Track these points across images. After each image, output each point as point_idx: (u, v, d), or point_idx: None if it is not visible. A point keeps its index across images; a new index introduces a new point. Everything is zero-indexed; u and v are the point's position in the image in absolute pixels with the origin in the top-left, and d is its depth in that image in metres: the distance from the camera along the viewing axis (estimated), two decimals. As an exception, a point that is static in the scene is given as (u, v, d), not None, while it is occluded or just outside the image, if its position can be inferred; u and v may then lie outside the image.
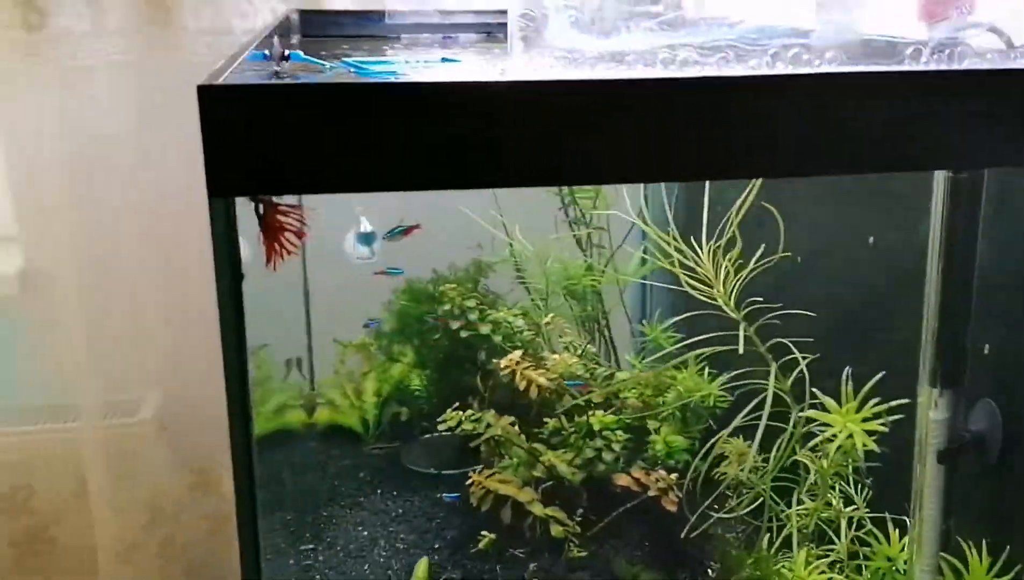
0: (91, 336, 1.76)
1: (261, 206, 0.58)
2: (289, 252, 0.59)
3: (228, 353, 0.59)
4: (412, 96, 0.56)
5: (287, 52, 0.87)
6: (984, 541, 0.82)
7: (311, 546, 1.27)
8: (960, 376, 0.82)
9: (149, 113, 1.69)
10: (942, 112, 0.62)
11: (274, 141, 0.53)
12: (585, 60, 0.61)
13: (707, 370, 1.28)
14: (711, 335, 1.06)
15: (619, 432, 1.27)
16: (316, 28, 1.33)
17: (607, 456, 1.25)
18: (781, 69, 0.63)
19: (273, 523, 1.33)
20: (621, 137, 0.58)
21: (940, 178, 0.77)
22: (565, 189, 1.50)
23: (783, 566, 0.88)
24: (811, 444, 0.85)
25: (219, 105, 0.52)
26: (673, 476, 1.18)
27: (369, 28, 1.33)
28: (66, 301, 1.79)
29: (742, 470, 1.03)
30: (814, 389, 0.88)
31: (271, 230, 0.58)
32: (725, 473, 1.06)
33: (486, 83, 0.57)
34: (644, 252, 1.51)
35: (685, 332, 1.34)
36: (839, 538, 0.91)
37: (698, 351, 1.12)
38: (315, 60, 0.77)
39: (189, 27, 1.64)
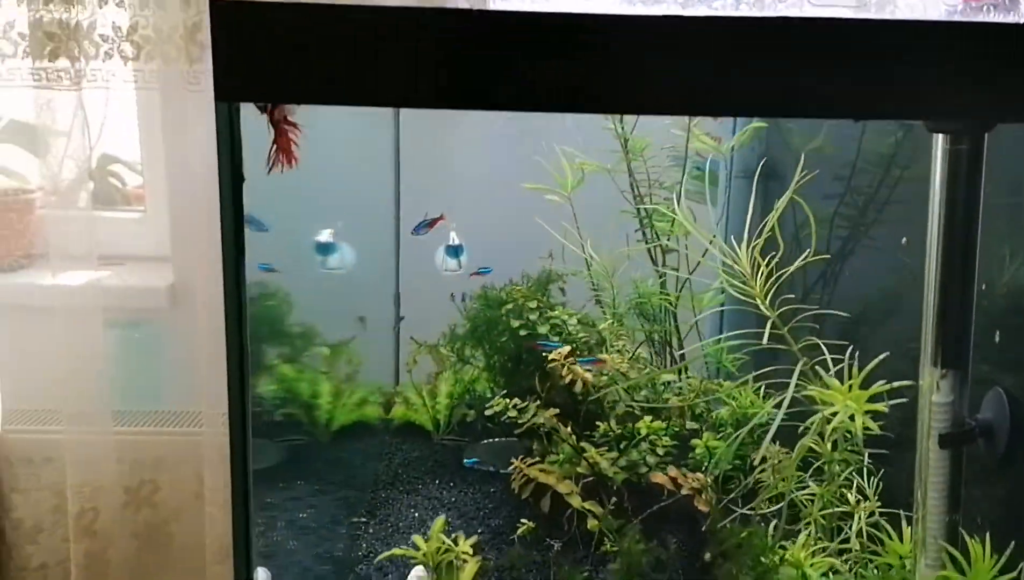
0: (221, 353, 1.93)
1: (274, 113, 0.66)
2: (290, 163, 0.67)
3: (226, 248, 0.68)
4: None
5: None
6: (988, 535, 0.79)
7: (364, 519, 1.34)
8: (963, 356, 0.80)
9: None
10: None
11: (271, 54, 0.62)
12: None
13: (762, 390, 1.28)
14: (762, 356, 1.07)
15: (665, 438, 1.28)
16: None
17: (650, 459, 1.26)
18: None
19: (335, 498, 1.42)
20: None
21: (940, 148, 0.77)
22: (643, 212, 1.55)
23: (783, 547, 0.87)
24: (809, 422, 0.85)
25: (227, 19, 0.61)
26: (709, 479, 1.17)
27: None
28: (203, 317, 1.96)
29: (779, 476, 1.03)
30: (819, 369, 0.88)
31: (281, 138, 0.66)
32: (759, 478, 1.06)
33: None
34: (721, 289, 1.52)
35: (753, 356, 1.35)
36: (849, 530, 0.89)
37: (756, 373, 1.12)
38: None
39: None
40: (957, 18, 0.68)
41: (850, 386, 0.84)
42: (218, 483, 1.95)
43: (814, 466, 0.90)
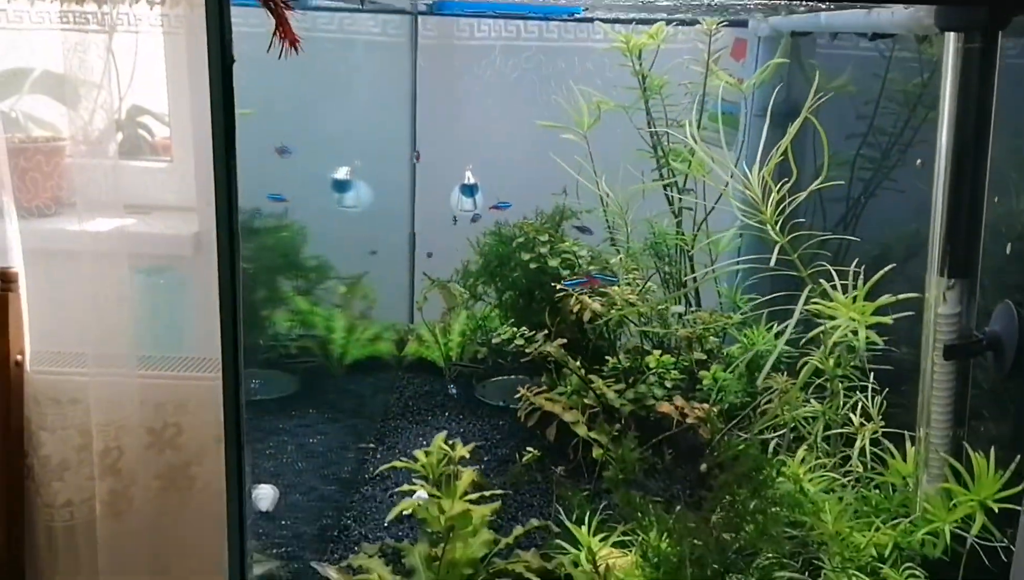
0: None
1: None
2: (294, 46, 0.66)
3: (216, 139, 0.67)
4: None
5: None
6: (993, 449, 0.78)
7: (372, 446, 1.35)
8: (971, 267, 0.78)
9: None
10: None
11: None
12: None
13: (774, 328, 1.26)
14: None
15: (674, 371, 1.28)
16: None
17: (658, 392, 1.26)
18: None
19: (345, 426, 1.43)
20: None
21: (951, 48, 0.75)
22: (660, 153, 1.53)
23: (783, 464, 0.86)
24: (811, 335, 0.84)
25: None
26: (715, 409, 1.17)
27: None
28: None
29: (783, 401, 1.02)
30: (823, 280, 0.87)
31: (284, 25, 0.65)
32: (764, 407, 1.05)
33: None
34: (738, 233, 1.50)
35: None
36: (852, 450, 0.88)
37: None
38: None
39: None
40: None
41: (854, 298, 0.83)
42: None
43: (815, 383, 0.89)
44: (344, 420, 1.45)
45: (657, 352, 1.29)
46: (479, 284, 1.53)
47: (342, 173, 1.61)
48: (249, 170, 0.81)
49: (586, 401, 1.27)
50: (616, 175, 1.51)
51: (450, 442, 0.99)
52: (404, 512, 1.07)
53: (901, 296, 0.82)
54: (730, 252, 1.58)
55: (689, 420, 1.15)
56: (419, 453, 1.00)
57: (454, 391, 1.42)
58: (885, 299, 0.83)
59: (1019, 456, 0.75)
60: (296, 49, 0.65)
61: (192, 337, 2.14)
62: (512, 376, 1.51)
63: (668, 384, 1.25)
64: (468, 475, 0.91)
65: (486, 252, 1.52)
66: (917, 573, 0.80)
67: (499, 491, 1.05)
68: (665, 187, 1.54)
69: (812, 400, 0.88)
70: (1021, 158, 0.79)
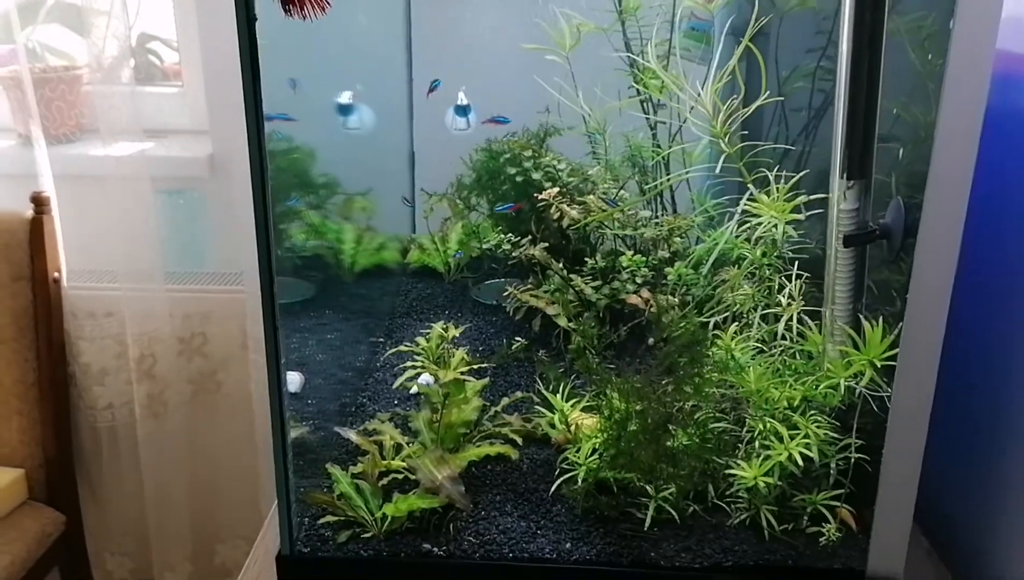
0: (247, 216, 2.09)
1: None
2: (308, 14, 0.80)
3: (246, 88, 0.83)
4: None
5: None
6: (882, 318, 0.95)
7: (381, 340, 1.54)
8: (867, 168, 0.95)
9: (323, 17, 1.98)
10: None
11: None
12: None
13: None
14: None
15: (644, 269, 1.45)
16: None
17: (630, 286, 1.43)
18: None
19: (357, 324, 1.62)
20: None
21: (848, -11, 0.90)
22: (636, 70, 1.67)
23: (717, 337, 1.04)
24: (741, 230, 1.01)
25: None
26: (675, 299, 1.35)
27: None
28: (240, 185, 2.10)
29: (732, 290, 1.19)
30: (751, 187, 1.03)
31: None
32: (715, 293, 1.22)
33: None
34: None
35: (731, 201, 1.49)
36: (776, 325, 1.05)
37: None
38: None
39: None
40: None
41: (775, 199, 0.99)
42: (260, 334, 2.16)
43: (746, 270, 1.06)
44: (356, 319, 1.64)
45: (630, 252, 1.47)
46: (472, 196, 1.70)
47: (345, 97, 1.75)
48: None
49: (566, 297, 1.45)
50: (596, 94, 1.65)
51: (445, 326, 1.18)
52: (410, 391, 1.26)
53: (813, 196, 0.98)
54: (702, 160, 1.73)
55: (654, 309, 1.34)
56: (420, 339, 1.19)
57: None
58: (801, 199, 1.00)
59: (900, 323, 0.93)
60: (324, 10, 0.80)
61: (212, 253, 2.30)
62: (504, 279, 1.69)
63: (639, 280, 1.43)
64: (459, 354, 1.10)
65: (477, 167, 1.68)
66: (820, 420, 0.99)
67: (488, 367, 1.24)
68: (641, 104, 1.68)
69: (746, 286, 1.05)
70: (911, 75, 0.94)
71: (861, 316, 0.98)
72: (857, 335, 0.97)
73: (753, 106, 1.21)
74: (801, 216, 0.98)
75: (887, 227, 0.96)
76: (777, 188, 0.99)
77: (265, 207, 0.87)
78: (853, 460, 0.99)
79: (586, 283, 1.44)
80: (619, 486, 1.06)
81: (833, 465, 1.00)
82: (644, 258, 1.47)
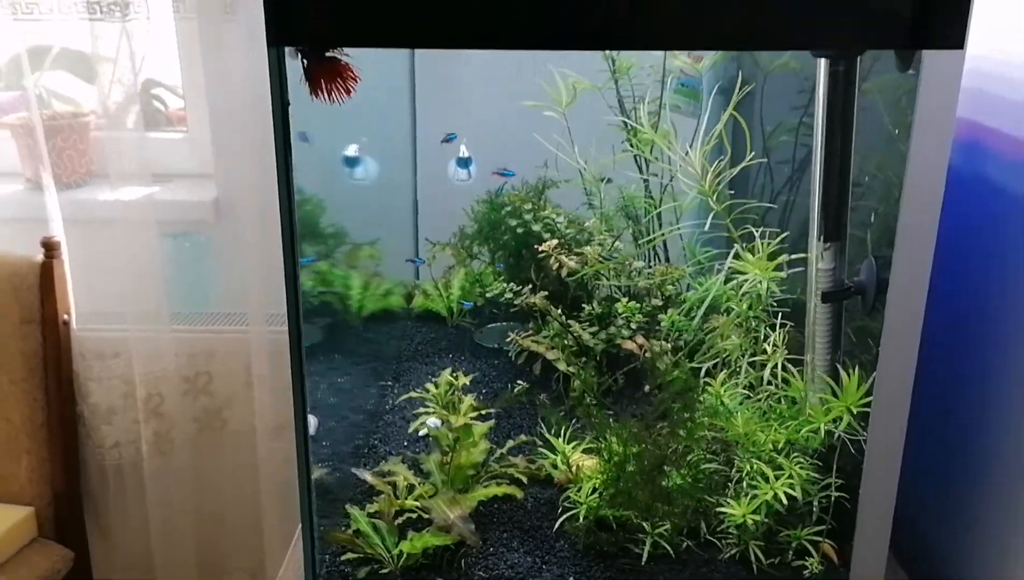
0: (262, 259, 2.11)
1: (305, 60, 0.90)
2: (335, 98, 0.89)
3: (279, 162, 0.92)
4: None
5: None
6: (858, 367, 1.04)
7: (389, 383, 1.62)
8: (841, 232, 1.04)
9: None
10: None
11: (308, 8, 0.85)
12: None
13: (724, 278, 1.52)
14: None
15: (638, 315, 1.54)
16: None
17: (625, 332, 1.52)
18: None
19: (366, 368, 1.70)
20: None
21: (822, 68, 1.00)
22: (628, 126, 1.77)
23: (708, 384, 1.13)
24: (729, 284, 1.10)
25: None
26: (668, 345, 1.43)
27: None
28: (245, 227, 2.18)
29: (721, 338, 1.28)
30: (737, 246, 1.12)
31: (316, 79, 0.89)
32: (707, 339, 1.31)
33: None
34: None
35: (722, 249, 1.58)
36: (762, 372, 1.14)
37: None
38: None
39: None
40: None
41: (759, 258, 1.09)
42: (264, 372, 2.23)
43: (733, 321, 1.15)
44: (365, 363, 1.72)
45: (625, 299, 1.56)
46: (474, 245, 1.79)
47: (351, 150, 1.84)
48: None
49: (565, 342, 1.54)
50: (591, 148, 1.75)
51: (454, 374, 1.26)
52: (420, 434, 1.34)
53: (794, 256, 1.08)
54: (692, 210, 1.83)
55: (648, 355, 1.42)
56: (429, 385, 1.27)
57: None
58: (783, 258, 1.10)
59: (874, 372, 1.02)
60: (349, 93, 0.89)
61: (216, 294, 2.36)
62: (504, 323, 1.78)
63: (633, 326, 1.52)
64: (468, 400, 1.19)
65: (479, 218, 1.77)
66: (802, 461, 1.07)
67: (493, 410, 1.33)
68: (634, 158, 1.78)
69: (734, 336, 1.14)
70: (877, 151, 1.04)
71: (838, 365, 1.06)
72: (835, 383, 1.06)
73: (739, 167, 1.31)
74: (783, 274, 1.07)
75: (861, 284, 1.05)
76: (762, 245, 1.08)
77: (295, 261, 0.95)
78: (833, 498, 1.07)
79: (583, 329, 1.53)
80: (618, 523, 1.14)
81: (815, 503, 1.09)
82: (638, 305, 1.56)
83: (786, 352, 1.14)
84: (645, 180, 1.78)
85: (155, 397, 2.22)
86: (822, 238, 1.04)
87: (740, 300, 1.11)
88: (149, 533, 2.28)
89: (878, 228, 1.05)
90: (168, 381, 2.22)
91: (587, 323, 1.55)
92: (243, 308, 2.23)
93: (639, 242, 1.76)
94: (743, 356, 1.12)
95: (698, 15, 0.86)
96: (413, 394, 1.31)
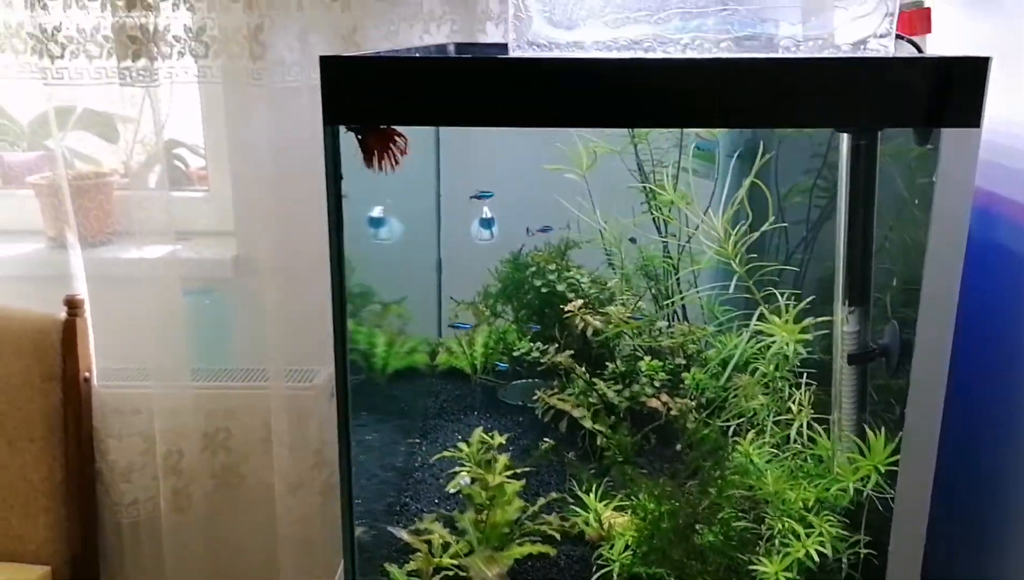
0: (282, 316, 2.15)
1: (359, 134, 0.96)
2: (391, 166, 0.95)
3: (332, 233, 0.97)
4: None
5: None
6: (884, 427, 1.08)
7: (417, 440, 1.66)
8: (866, 296, 1.09)
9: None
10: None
11: (364, 91, 0.91)
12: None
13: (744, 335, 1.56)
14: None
15: (661, 373, 1.58)
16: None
17: (649, 390, 1.56)
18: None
19: (393, 426, 1.73)
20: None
21: (845, 142, 1.05)
22: (647, 188, 1.82)
23: (737, 445, 1.17)
24: (756, 347, 1.14)
25: (332, 69, 0.90)
26: (692, 402, 1.47)
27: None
28: (265, 284, 2.21)
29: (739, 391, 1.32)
30: (766, 312, 1.17)
31: (370, 149, 0.95)
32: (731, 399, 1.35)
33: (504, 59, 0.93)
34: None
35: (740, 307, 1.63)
36: (787, 429, 1.18)
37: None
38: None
39: (371, 57, 2.08)
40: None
41: (786, 320, 1.13)
42: (282, 428, 2.25)
43: (761, 382, 1.19)
44: (392, 420, 1.75)
45: (648, 358, 1.60)
46: (497, 304, 1.83)
47: (377, 212, 1.89)
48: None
49: (590, 400, 1.57)
50: (611, 209, 1.81)
51: (489, 433, 1.29)
52: (452, 491, 1.37)
53: (819, 319, 1.12)
54: (709, 270, 1.88)
55: (673, 413, 1.46)
56: (461, 444, 1.30)
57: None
58: (808, 322, 1.14)
59: (900, 433, 1.05)
60: (383, 169, 0.94)
61: (235, 350, 2.37)
62: (528, 380, 1.81)
63: (657, 384, 1.56)
64: (503, 459, 1.22)
65: (502, 278, 1.82)
66: (831, 518, 1.10)
67: (526, 468, 1.36)
68: (653, 219, 1.83)
69: (760, 395, 1.18)
70: (896, 215, 1.09)
71: (865, 425, 1.10)
72: (862, 442, 1.09)
73: (759, 232, 1.36)
74: (809, 336, 1.11)
75: (886, 346, 1.09)
76: (787, 308, 1.13)
77: (343, 327, 1.00)
78: (862, 555, 1.10)
79: (609, 387, 1.56)
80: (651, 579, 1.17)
81: (844, 559, 1.11)
82: (661, 363, 1.59)
83: (811, 411, 1.17)
84: (665, 241, 1.83)
85: (174, 454, 2.22)
86: (847, 303, 1.09)
87: (767, 361, 1.15)
88: (167, 591, 2.28)
89: (899, 291, 1.09)
90: (188, 438, 2.22)
91: (611, 381, 1.58)
92: (262, 364, 2.24)
93: (660, 303, 1.81)
94: (769, 415, 1.16)
95: (728, 95, 0.91)
96: (447, 453, 1.34)
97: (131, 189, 2.11)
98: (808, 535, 1.09)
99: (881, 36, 1.00)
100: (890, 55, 0.96)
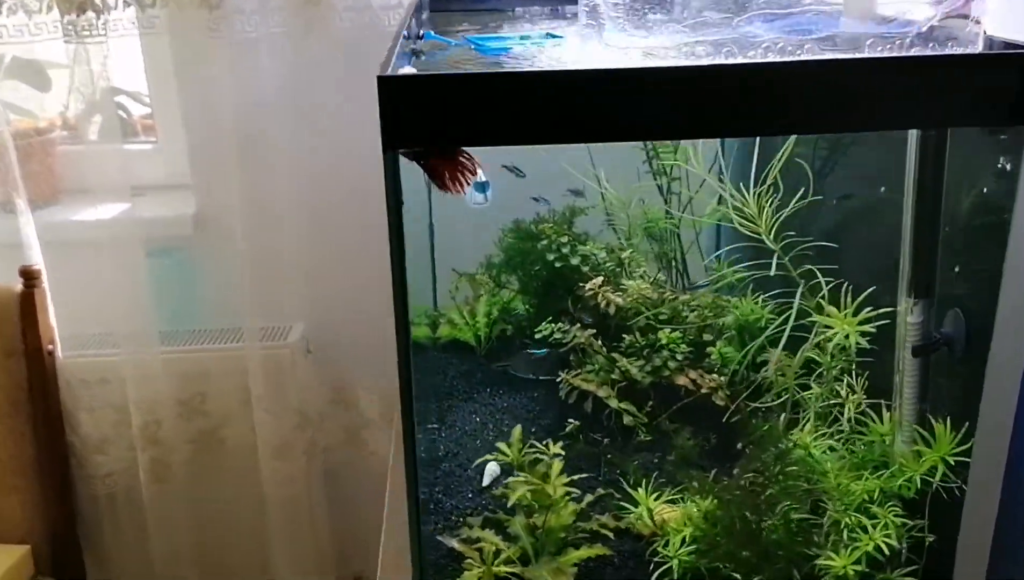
0: (251, 273, 2.10)
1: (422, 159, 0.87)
2: (457, 189, 0.87)
3: (393, 244, 0.89)
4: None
5: (422, 32, 1.17)
6: (949, 417, 1.07)
7: (436, 426, 1.61)
8: (931, 287, 1.06)
9: (302, 78, 2.01)
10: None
11: (422, 114, 0.83)
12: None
13: (760, 299, 1.53)
14: (756, 265, 1.32)
15: (683, 345, 1.55)
16: (443, 2, 1.63)
17: (671, 364, 1.53)
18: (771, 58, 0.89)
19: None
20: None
21: (913, 135, 1.01)
22: (649, 145, 1.76)
23: (793, 436, 1.15)
24: (816, 341, 1.11)
25: (390, 90, 0.81)
26: (723, 379, 1.45)
27: (487, 2, 1.61)
28: (229, 241, 2.14)
29: (778, 373, 1.30)
30: (821, 301, 1.14)
31: (435, 172, 0.87)
32: (765, 377, 1.33)
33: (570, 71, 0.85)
34: (718, 201, 1.76)
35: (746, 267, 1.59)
36: (841, 419, 1.16)
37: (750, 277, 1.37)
38: (442, 38, 1.06)
39: (336, 5, 1.94)
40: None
41: (846, 314, 1.10)
42: (260, 388, 2.20)
43: (816, 372, 1.17)
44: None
45: (668, 330, 1.56)
46: (502, 274, 1.77)
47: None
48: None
49: (612, 377, 1.54)
50: (614, 171, 1.74)
51: (544, 441, 1.25)
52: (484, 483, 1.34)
53: (881, 310, 1.10)
54: (709, 228, 1.84)
55: (704, 390, 1.44)
56: (502, 445, 1.26)
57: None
58: (869, 313, 1.12)
59: (967, 422, 1.05)
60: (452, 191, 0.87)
61: (203, 311, 2.31)
62: (534, 350, 1.77)
63: (679, 357, 1.53)
64: (557, 465, 1.18)
65: (506, 248, 1.76)
66: (898, 509, 1.10)
67: (583, 475, 1.32)
68: (654, 176, 1.78)
69: (812, 383, 1.16)
70: (963, 211, 1.06)
71: (929, 416, 1.09)
72: (923, 432, 1.09)
73: (792, 206, 1.32)
74: (871, 327, 1.09)
75: (949, 335, 1.08)
76: (848, 297, 1.10)
77: (407, 342, 0.93)
78: (927, 543, 1.11)
79: (631, 363, 1.53)
80: (712, 576, 1.16)
81: (903, 547, 1.12)
82: (681, 334, 1.57)
83: (864, 397, 1.16)
84: (666, 201, 1.78)
85: (152, 424, 2.17)
86: (913, 295, 1.06)
87: (823, 353, 1.13)
88: (151, 562, 2.24)
89: (962, 278, 1.07)
90: (163, 405, 2.17)
91: (633, 356, 1.55)
92: (233, 323, 2.18)
93: (662, 259, 1.77)
94: (824, 405, 1.14)
95: (805, 97, 0.86)
96: (489, 457, 1.30)
97: (75, 143, 2.00)
98: (873, 527, 1.09)
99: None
100: (984, 51, 0.91)
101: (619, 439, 1.48)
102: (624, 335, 1.59)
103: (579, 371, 1.53)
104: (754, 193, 1.33)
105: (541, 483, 1.15)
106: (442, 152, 0.85)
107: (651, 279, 1.56)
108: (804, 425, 1.14)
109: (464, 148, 0.87)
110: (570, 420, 1.52)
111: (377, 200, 2.03)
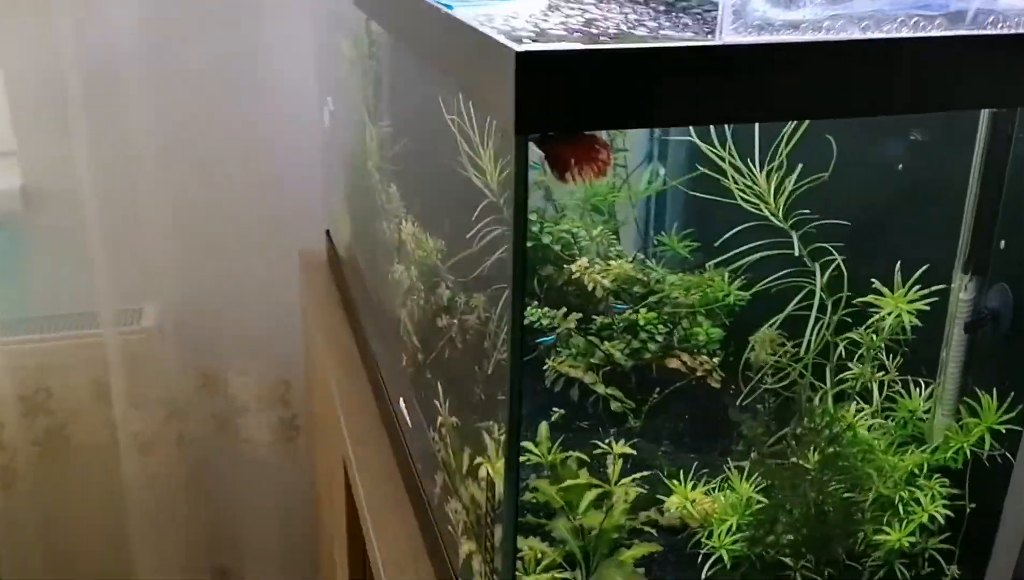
0: (96, 250, 1.89)
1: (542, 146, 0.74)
2: (586, 180, 0.74)
3: (516, 246, 0.76)
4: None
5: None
6: (995, 390, 1.10)
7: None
8: (985, 265, 1.08)
9: (156, 32, 1.79)
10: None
11: (564, 92, 0.69)
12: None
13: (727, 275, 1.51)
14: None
15: (660, 326, 1.51)
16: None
17: (652, 346, 1.48)
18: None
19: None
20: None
21: (984, 114, 1.02)
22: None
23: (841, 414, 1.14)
24: (869, 323, 1.10)
25: (529, 64, 0.67)
26: (715, 360, 1.42)
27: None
28: (66, 218, 1.89)
29: (773, 355, 1.28)
30: (874, 279, 1.12)
31: (564, 160, 0.74)
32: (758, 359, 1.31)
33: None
34: (655, 173, 1.73)
35: (702, 241, 1.57)
36: (876, 395, 1.16)
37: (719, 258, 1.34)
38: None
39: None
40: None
41: (900, 294, 1.10)
42: (118, 379, 1.98)
43: (858, 354, 1.16)
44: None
45: (644, 310, 1.51)
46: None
47: None
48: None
49: (592, 361, 1.47)
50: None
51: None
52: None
53: (934, 287, 1.10)
54: (643, 201, 1.81)
55: (699, 373, 1.41)
56: (529, 445, 1.16)
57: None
58: (921, 292, 1.12)
59: (1012, 392, 1.08)
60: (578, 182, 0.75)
61: (38, 297, 2.09)
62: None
63: (659, 338, 1.49)
64: (618, 464, 1.10)
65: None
66: (944, 480, 1.12)
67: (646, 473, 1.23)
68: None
69: (852, 365, 1.15)
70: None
71: (976, 388, 1.12)
72: (972, 404, 1.11)
73: (804, 184, 1.30)
74: (925, 306, 1.09)
75: (995, 310, 1.11)
76: (900, 281, 1.10)
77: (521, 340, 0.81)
78: (968, 511, 1.14)
79: (614, 347, 1.47)
80: (762, 562, 1.13)
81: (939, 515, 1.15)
82: (655, 314, 1.52)
83: (898, 374, 1.17)
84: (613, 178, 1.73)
85: None
86: (970, 271, 1.08)
87: (868, 332, 1.13)
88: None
89: (1009, 254, 1.10)
90: (5, 404, 1.94)
91: (608, 339, 1.49)
92: (79, 308, 2.03)
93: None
94: (868, 383, 1.14)
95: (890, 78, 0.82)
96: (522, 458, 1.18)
97: None
98: (920, 500, 1.11)
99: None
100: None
101: (602, 419, 1.42)
102: (593, 317, 1.52)
103: (564, 359, 1.45)
104: (764, 170, 1.30)
105: (606, 485, 1.06)
106: (575, 138, 0.73)
107: (630, 258, 1.49)
108: (850, 404, 1.13)
109: (598, 135, 0.75)
110: (555, 408, 1.44)
111: (241, 158, 1.85)
